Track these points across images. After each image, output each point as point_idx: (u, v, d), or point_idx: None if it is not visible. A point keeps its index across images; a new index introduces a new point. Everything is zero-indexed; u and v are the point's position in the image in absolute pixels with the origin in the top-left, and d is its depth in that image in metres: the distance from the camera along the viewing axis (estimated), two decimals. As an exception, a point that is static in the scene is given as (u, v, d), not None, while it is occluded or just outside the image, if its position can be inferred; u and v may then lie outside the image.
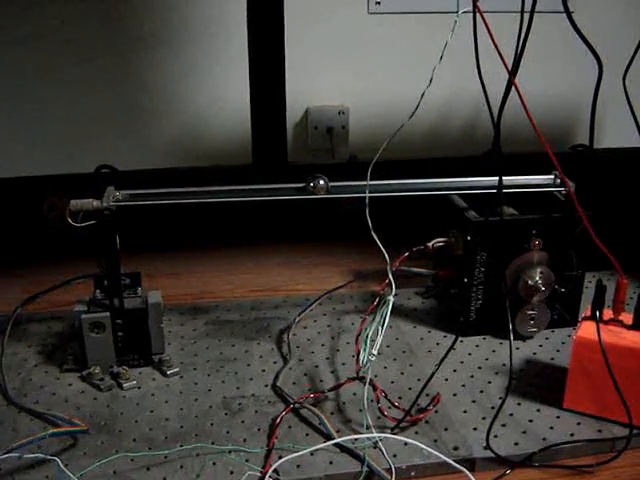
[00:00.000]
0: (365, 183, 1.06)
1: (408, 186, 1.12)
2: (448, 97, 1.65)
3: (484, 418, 0.98)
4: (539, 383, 1.05)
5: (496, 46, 0.89)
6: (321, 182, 1.07)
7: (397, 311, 1.23)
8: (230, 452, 0.91)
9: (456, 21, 0.92)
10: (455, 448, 0.93)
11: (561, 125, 1.75)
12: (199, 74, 1.56)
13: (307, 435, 0.95)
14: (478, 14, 0.94)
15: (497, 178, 1.03)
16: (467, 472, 0.86)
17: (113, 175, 1.44)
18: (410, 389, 1.04)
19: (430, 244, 1.15)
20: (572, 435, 0.95)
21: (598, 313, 0.95)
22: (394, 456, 0.91)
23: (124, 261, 1.07)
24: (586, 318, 0.97)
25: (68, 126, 1.52)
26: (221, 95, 1.58)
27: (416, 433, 0.95)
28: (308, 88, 1.64)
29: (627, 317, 0.97)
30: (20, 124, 1.50)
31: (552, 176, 1.13)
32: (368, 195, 1.05)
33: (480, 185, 1.13)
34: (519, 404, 1.01)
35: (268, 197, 1.10)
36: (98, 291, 1.09)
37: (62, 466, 0.85)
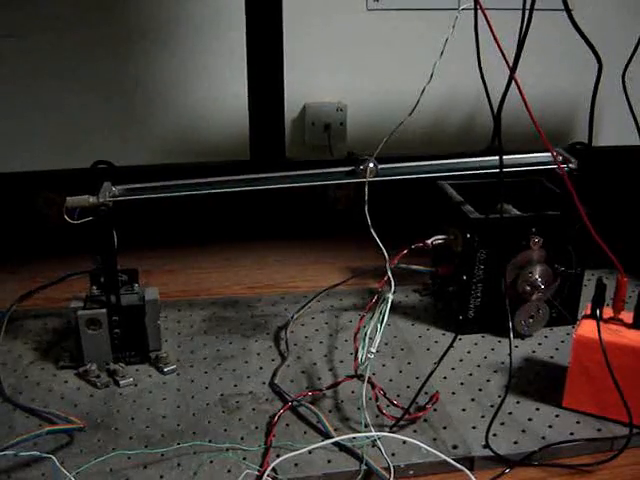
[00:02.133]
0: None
1: (414, 169, 1.11)
2: (446, 94, 1.64)
3: (483, 416, 0.98)
4: (538, 381, 1.05)
5: (497, 41, 0.88)
6: (371, 165, 1.06)
7: (395, 309, 1.22)
8: (228, 450, 0.91)
9: (457, 17, 0.91)
10: (454, 447, 0.92)
11: (559, 123, 1.74)
12: (197, 70, 1.55)
13: (305, 433, 0.95)
14: (479, 10, 0.93)
15: (497, 157, 1.01)
16: (467, 471, 0.86)
17: (110, 171, 1.43)
18: (408, 387, 1.04)
19: (429, 241, 1.14)
20: (572, 434, 0.94)
21: (598, 311, 0.95)
22: (393, 455, 0.90)
23: (121, 257, 1.06)
24: (586, 316, 0.97)
25: (65, 121, 1.51)
26: (219, 91, 1.57)
27: (415, 432, 0.95)
28: (306, 84, 1.63)
29: (627, 316, 0.96)
30: (16, 120, 1.49)
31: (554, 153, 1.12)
32: (368, 180, 1.04)
33: (483, 165, 1.12)
34: (518, 402, 1.00)
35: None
36: (94, 287, 1.08)
37: (58, 464, 0.84)
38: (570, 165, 1.08)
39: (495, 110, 0.96)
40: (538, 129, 0.94)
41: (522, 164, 1.12)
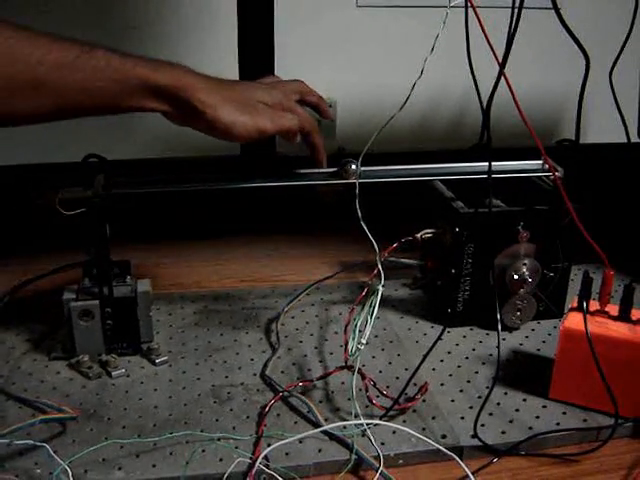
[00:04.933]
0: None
1: (399, 172, 1.13)
2: (435, 90, 1.66)
3: (471, 407, 0.99)
4: (525, 373, 1.06)
5: (486, 36, 0.90)
6: (352, 167, 1.08)
7: (385, 302, 1.24)
8: (219, 439, 0.92)
9: (447, 13, 0.92)
10: (443, 436, 0.94)
11: (547, 120, 1.76)
12: (187, 64, 1.55)
13: (296, 423, 0.96)
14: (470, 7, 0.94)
15: (486, 163, 1.03)
16: (457, 458, 0.87)
17: (101, 165, 1.44)
18: (398, 378, 1.05)
19: (419, 235, 1.15)
20: (558, 424, 0.96)
21: (585, 304, 0.96)
22: (382, 444, 0.91)
23: (111, 251, 1.06)
24: (573, 309, 0.98)
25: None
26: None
27: (404, 422, 0.96)
28: (296, 80, 1.64)
29: (613, 308, 0.98)
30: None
31: (541, 161, 1.14)
32: (359, 181, 1.05)
33: (469, 171, 1.13)
34: (505, 394, 1.02)
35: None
36: (87, 279, 1.09)
37: (52, 453, 0.85)
38: (557, 173, 1.09)
39: (484, 104, 0.98)
40: (530, 128, 0.96)
41: (509, 171, 1.14)
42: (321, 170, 1.10)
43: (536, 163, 1.14)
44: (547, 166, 1.11)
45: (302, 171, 1.11)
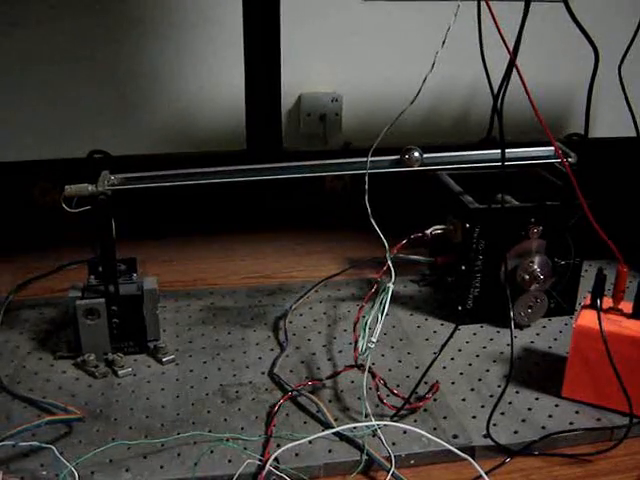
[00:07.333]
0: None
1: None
2: (442, 85, 1.64)
3: (483, 406, 0.98)
4: (537, 371, 1.05)
5: (499, 29, 0.88)
6: (415, 154, 1.06)
7: (394, 299, 1.21)
8: (228, 440, 0.90)
9: (459, 5, 0.91)
10: (454, 436, 0.92)
11: (555, 114, 1.75)
12: (193, 59, 1.54)
13: (305, 423, 0.94)
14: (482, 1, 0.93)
15: (498, 151, 1.01)
16: (470, 459, 0.85)
17: (106, 160, 1.43)
18: (408, 377, 1.04)
19: (428, 231, 1.14)
20: (571, 424, 0.95)
21: (599, 301, 0.95)
22: (393, 444, 0.90)
23: (117, 247, 1.05)
24: (586, 306, 0.97)
25: (60, 111, 1.50)
26: (215, 80, 1.56)
27: (415, 421, 0.95)
28: (301, 75, 1.63)
29: (626, 306, 0.96)
30: (10, 109, 1.48)
31: (554, 148, 1.12)
32: (368, 171, 1.04)
33: (482, 158, 1.11)
34: (517, 392, 1.01)
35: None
36: (92, 277, 1.08)
37: (58, 454, 0.84)
38: (569, 159, 1.07)
39: (495, 91, 0.96)
40: (540, 120, 0.94)
41: (522, 158, 1.12)
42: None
43: (549, 149, 1.12)
44: (561, 152, 1.08)
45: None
